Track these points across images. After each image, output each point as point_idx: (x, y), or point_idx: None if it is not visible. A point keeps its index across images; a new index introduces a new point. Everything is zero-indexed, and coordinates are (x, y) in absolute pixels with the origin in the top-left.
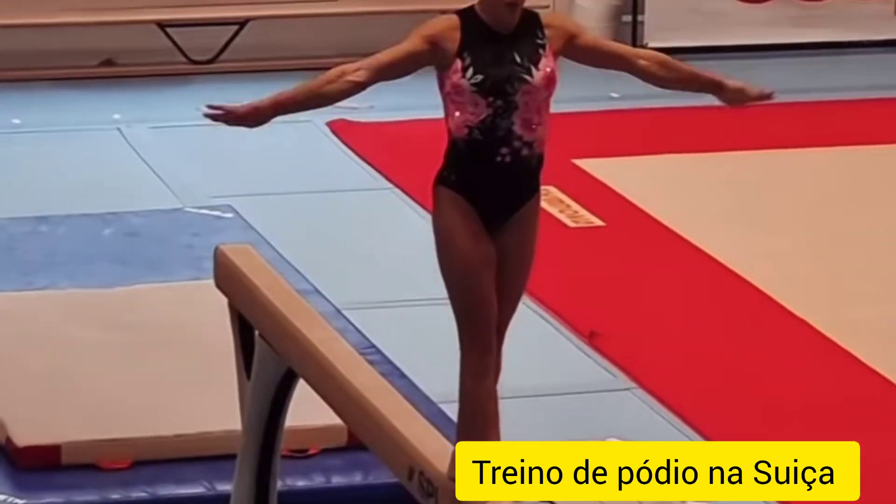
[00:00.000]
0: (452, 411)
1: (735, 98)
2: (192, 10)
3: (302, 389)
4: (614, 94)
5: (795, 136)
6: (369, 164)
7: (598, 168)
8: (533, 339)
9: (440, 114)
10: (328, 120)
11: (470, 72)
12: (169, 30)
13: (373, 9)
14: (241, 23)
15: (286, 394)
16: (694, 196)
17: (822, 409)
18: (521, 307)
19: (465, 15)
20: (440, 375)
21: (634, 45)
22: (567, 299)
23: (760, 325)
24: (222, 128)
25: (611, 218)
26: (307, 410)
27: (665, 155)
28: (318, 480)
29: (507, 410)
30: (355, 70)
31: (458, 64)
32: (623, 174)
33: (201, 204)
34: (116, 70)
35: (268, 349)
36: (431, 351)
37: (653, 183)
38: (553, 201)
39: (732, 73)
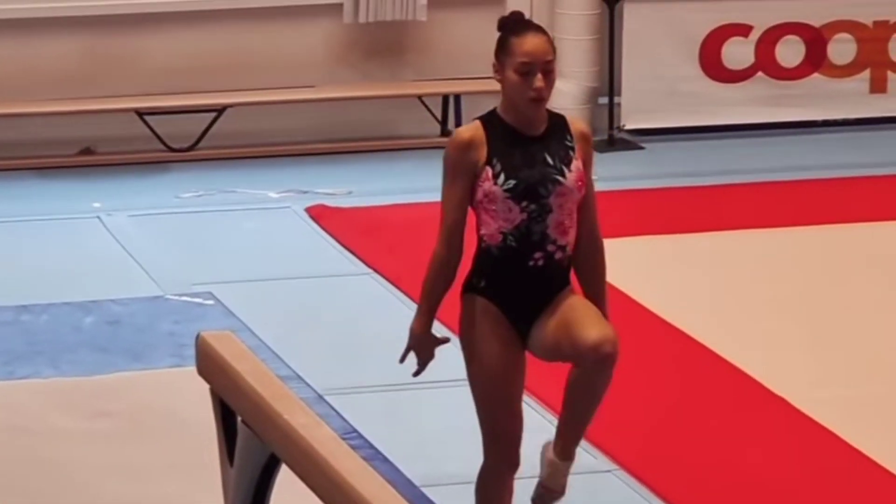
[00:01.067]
0: (435, 495)
1: None
2: (171, 99)
3: (285, 475)
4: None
5: (769, 216)
6: (348, 249)
7: None
8: None
9: (418, 198)
10: (307, 206)
11: (502, 178)
12: (147, 118)
13: (349, 94)
14: (219, 110)
15: (269, 480)
16: (666, 275)
17: (802, 488)
18: None
19: (489, 120)
20: (422, 459)
21: (611, 126)
22: (549, 380)
23: (734, 399)
24: (202, 214)
25: None
26: (291, 497)
27: (641, 237)
28: None
29: None
30: (446, 250)
31: (489, 171)
32: None
33: (182, 291)
34: (96, 159)
35: (250, 435)
36: (413, 435)
37: (632, 265)
38: None
39: (709, 154)
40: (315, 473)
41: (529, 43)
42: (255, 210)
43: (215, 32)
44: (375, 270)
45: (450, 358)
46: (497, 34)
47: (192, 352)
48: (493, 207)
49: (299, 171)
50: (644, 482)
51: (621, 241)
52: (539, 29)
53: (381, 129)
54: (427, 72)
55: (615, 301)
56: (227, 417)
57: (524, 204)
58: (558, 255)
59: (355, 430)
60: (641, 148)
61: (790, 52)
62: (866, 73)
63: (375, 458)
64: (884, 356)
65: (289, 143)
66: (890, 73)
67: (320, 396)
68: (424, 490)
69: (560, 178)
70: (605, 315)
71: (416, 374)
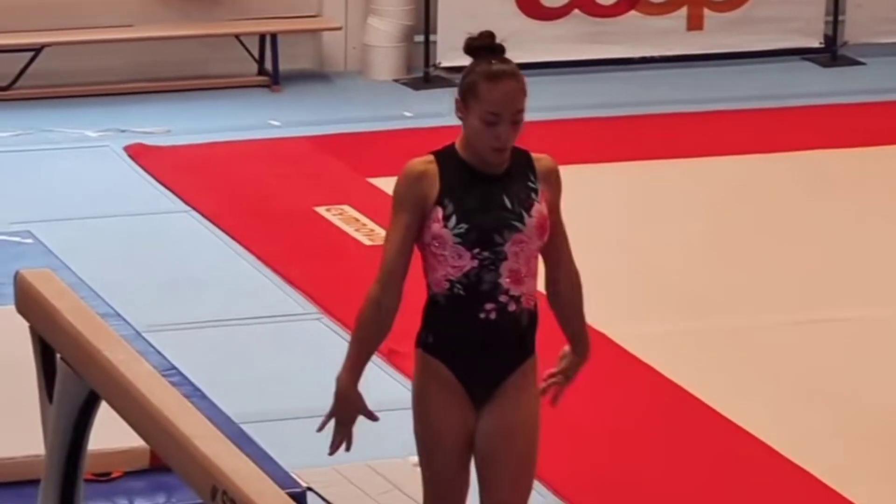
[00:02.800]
0: (254, 431)
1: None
2: None
3: (104, 413)
4: (407, 113)
5: (587, 152)
6: (166, 187)
7: (392, 186)
8: (332, 358)
9: (235, 136)
10: (125, 144)
11: (452, 221)
12: None
13: (167, 34)
14: (37, 49)
15: (89, 417)
16: None
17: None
18: (319, 326)
19: (445, 156)
20: (241, 396)
21: (427, 64)
22: None
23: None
24: (19, 154)
25: None
26: (110, 433)
27: None
28: None
29: (308, 430)
30: (383, 294)
31: (439, 212)
32: None
33: (0, 230)
34: None
35: (69, 372)
36: (232, 372)
37: None
38: (349, 220)
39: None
40: (134, 409)
41: (501, 91)
42: (74, 149)
43: None
44: (193, 208)
45: (265, 294)
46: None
47: (10, 290)
48: (442, 252)
49: (117, 110)
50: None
51: None
52: (512, 72)
53: (198, 68)
54: (244, 11)
55: None
56: (46, 355)
57: (476, 251)
58: (512, 307)
59: (174, 367)
60: (457, 85)
61: None
62: (683, 11)
63: (194, 394)
64: (694, 291)
65: (107, 82)
66: (707, 11)
67: (139, 333)
68: (243, 426)
69: (518, 225)
70: (585, 347)
71: (331, 452)
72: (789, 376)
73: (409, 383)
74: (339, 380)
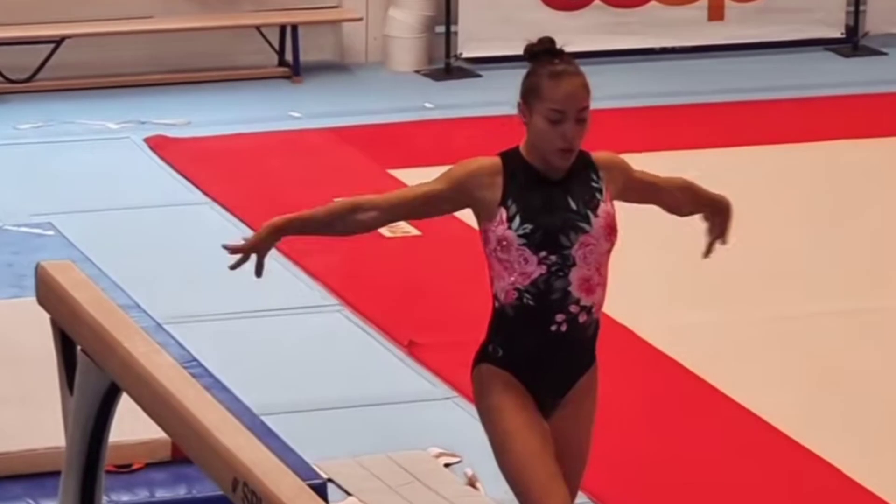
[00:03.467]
0: (274, 423)
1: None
2: (8, 29)
3: (125, 404)
4: (428, 105)
5: (608, 143)
6: (186, 178)
7: (413, 178)
8: (353, 350)
9: (255, 127)
10: (146, 136)
11: (517, 221)
12: None
13: (188, 25)
14: (58, 41)
15: (109, 408)
16: None
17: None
18: (340, 318)
19: (510, 157)
20: (262, 387)
21: (448, 55)
22: (385, 309)
23: None
24: (41, 146)
25: (426, 228)
26: (131, 425)
27: None
28: (142, 495)
29: (329, 422)
30: (368, 210)
31: (503, 213)
32: None
33: (21, 222)
34: None
35: (90, 364)
36: (253, 363)
37: None
38: None
39: None
40: (155, 401)
41: (564, 89)
42: (95, 141)
43: None
44: (214, 200)
45: (286, 285)
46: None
47: (31, 282)
48: (507, 257)
49: (138, 101)
50: None
51: None
52: (575, 70)
53: (219, 59)
54: (264, 2)
55: (452, 231)
56: (66, 347)
57: (542, 255)
58: (583, 318)
59: (195, 359)
60: (479, 76)
61: None
62: (704, 1)
63: (215, 386)
64: (719, 283)
65: (127, 73)
66: (728, 1)
67: (160, 325)
68: (264, 418)
69: (584, 226)
70: (719, 200)
71: (234, 266)
72: (815, 368)
73: (428, 374)
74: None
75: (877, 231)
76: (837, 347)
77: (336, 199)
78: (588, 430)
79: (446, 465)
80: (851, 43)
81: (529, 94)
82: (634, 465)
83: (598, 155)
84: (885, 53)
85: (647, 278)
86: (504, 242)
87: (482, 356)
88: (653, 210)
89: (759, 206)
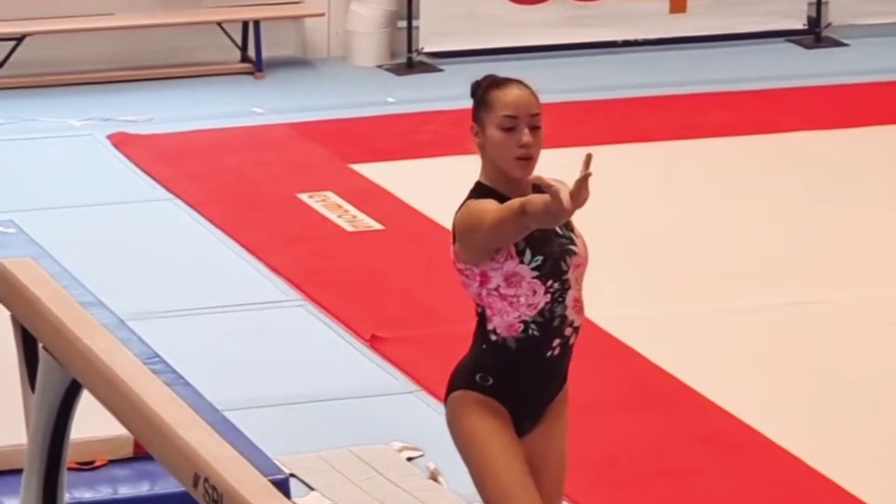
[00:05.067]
0: (236, 418)
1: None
2: None
3: (87, 401)
4: (390, 99)
5: (569, 136)
6: (149, 175)
7: (375, 172)
8: (315, 345)
9: (218, 124)
10: (108, 133)
11: (528, 255)
12: None
13: (149, 22)
14: (19, 38)
15: (71, 405)
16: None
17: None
18: (302, 313)
19: (482, 194)
20: (224, 383)
21: (409, 49)
22: (348, 304)
23: None
24: (2, 144)
25: (389, 221)
26: (93, 422)
27: (441, 157)
28: (105, 492)
29: (291, 417)
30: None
31: (511, 249)
32: (400, 177)
33: None
34: None
35: (52, 361)
36: (215, 359)
37: (429, 185)
38: (331, 206)
39: (509, 75)
40: (116, 398)
41: (514, 93)
42: (57, 138)
43: None
44: (177, 196)
45: (248, 281)
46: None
47: None
48: (514, 293)
49: (100, 98)
50: None
51: (418, 162)
52: (520, 81)
53: (181, 55)
54: None
55: (415, 224)
56: (28, 344)
57: (549, 283)
58: (573, 340)
59: (157, 355)
60: (441, 70)
61: None
62: None
63: (177, 382)
64: (678, 275)
65: (90, 71)
66: None
67: (122, 322)
68: (226, 414)
69: (573, 248)
70: None
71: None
72: (776, 359)
73: (390, 369)
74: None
75: (840, 222)
76: (802, 339)
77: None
78: (564, 442)
79: (409, 459)
80: (814, 34)
81: (478, 109)
82: (600, 460)
83: (538, 178)
84: (846, 45)
85: (609, 272)
86: (515, 278)
87: (467, 383)
88: (616, 205)
89: (721, 198)
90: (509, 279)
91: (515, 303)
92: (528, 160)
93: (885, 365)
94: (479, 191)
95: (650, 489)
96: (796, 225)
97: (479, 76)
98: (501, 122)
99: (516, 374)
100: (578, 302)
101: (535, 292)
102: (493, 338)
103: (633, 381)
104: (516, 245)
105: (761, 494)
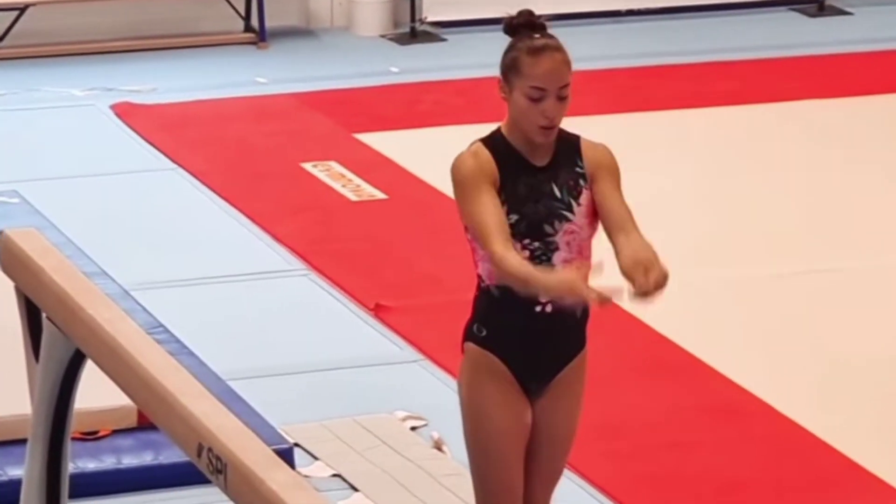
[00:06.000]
0: (240, 388)
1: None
2: None
3: (91, 371)
4: (394, 69)
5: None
6: (153, 145)
7: (379, 142)
8: (319, 314)
9: (221, 93)
10: (112, 103)
11: (504, 210)
12: None
13: None
14: (21, 8)
15: (75, 375)
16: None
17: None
18: (306, 283)
19: (494, 144)
20: (228, 353)
21: (413, 19)
22: (352, 273)
23: None
24: (6, 114)
25: (393, 191)
26: (97, 392)
27: (444, 127)
28: (108, 462)
29: (295, 386)
30: (505, 249)
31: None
32: (403, 147)
33: None
34: None
35: (55, 331)
36: (219, 329)
37: (433, 155)
38: (335, 176)
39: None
40: (120, 368)
41: (544, 66)
42: (61, 108)
43: None
44: (180, 166)
45: (252, 251)
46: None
47: None
48: None
49: (104, 68)
50: (450, 372)
51: (421, 131)
52: (556, 46)
53: (184, 25)
54: None
55: (419, 193)
56: (31, 314)
57: (526, 241)
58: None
59: (161, 325)
60: (444, 40)
61: None
62: None
63: (181, 352)
64: (679, 243)
65: (93, 41)
66: None
67: (126, 292)
68: (230, 383)
69: (568, 214)
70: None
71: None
72: (781, 328)
73: (394, 338)
74: (550, 281)
75: (847, 190)
76: (811, 308)
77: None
78: (574, 417)
79: (412, 429)
80: (817, 3)
81: (509, 70)
82: (606, 430)
83: (590, 144)
84: (850, 13)
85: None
86: None
87: (468, 334)
88: (624, 171)
89: (726, 167)
90: None
91: None
92: (551, 129)
93: (893, 334)
94: (494, 141)
95: (656, 459)
96: (803, 193)
97: (486, 46)
98: (529, 93)
99: (506, 326)
100: (570, 263)
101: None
102: (482, 283)
103: (638, 352)
104: (501, 198)
105: (768, 464)
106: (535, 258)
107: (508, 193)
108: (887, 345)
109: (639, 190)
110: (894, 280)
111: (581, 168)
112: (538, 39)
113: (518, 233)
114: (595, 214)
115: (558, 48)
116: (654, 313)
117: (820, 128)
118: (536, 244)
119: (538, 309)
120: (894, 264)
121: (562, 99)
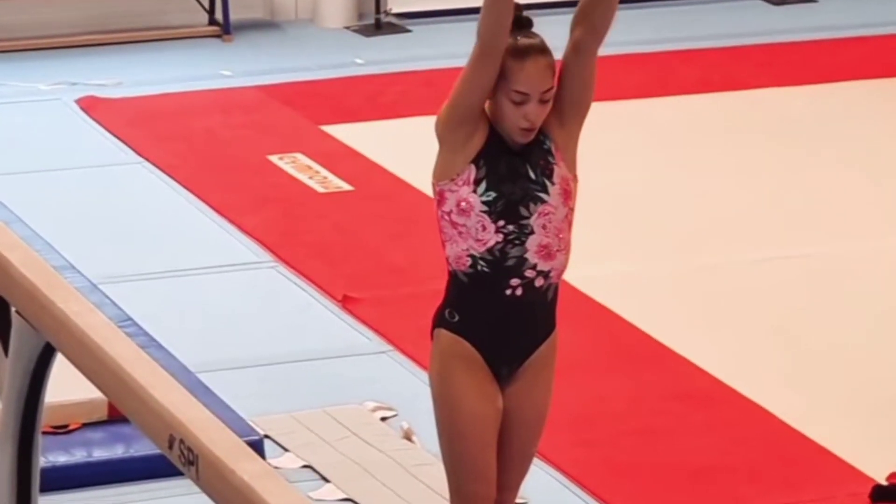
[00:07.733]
0: (210, 380)
1: None
2: None
3: (61, 365)
4: (358, 60)
5: None
6: (119, 138)
7: (345, 134)
8: (287, 305)
9: (186, 86)
10: (77, 97)
11: (483, 186)
12: None
13: None
14: None
15: (45, 369)
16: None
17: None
18: (274, 275)
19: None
20: (197, 345)
21: (378, 10)
22: (319, 265)
23: None
24: None
25: (359, 182)
26: (67, 386)
27: (409, 118)
28: (79, 455)
29: (265, 378)
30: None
31: (471, 173)
32: (369, 138)
33: None
34: None
35: (24, 325)
36: (188, 321)
37: (399, 146)
38: (302, 168)
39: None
40: (90, 361)
41: (528, 71)
42: (26, 103)
43: None
44: (146, 159)
45: (220, 243)
46: None
47: None
48: (463, 223)
49: (68, 63)
50: (417, 362)
51: (387, 122)
52: (540, 49)
53: (149, 19)
54: None
55: (386, 185)
56: (1, 309)
57: (500, 224)
58: (539, 282)
59: (130, 318)
60: (409, 31)
61: None
62: None
63: (150, 345)
64: (650, 232)
65: (57, 35)
66: None
67: (95, 285)
68: (200, 375)
69: (543, 195)
70: None
71: None
72: (748, 315)
73: (363, 329)
74: None
75: (810, 177)
76: (774, 294)
77: None
78: (545, 401)
79: (382, 419)
80: None
81: None
82: (575, 419)
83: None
84: (814, 1)
85: (578, 230)
86: (464, 206)
87: (439, 320)
88: (588, 161)
89: (691, 155)
90: (460, 205)
91: (465, 234)
92: (530, 131)
93: (858, 319)
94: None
95: (626, 447)
96: (766, 181)
97: (451, 37)
98: (512, 97)
99: (477, 311)
100: (546, 248)
101: (484, 228)
102: (451, 269)
103: (605, 340)
104: (478, 171)
105: (737, 449)
106: (508, 242)
107: (490, 167)
108: (853, 330)
109: (604, 178)
110: (859, 265)
111: (546, 144)
112: (522, 40)
113: (494, 212)
114: (569, 195)
115: (542, 50)
116: (622, 302)
117: (784, 116)
118: (511, 227)
119: (508, 293)
120: (860, 250)
121: (544, 102)
